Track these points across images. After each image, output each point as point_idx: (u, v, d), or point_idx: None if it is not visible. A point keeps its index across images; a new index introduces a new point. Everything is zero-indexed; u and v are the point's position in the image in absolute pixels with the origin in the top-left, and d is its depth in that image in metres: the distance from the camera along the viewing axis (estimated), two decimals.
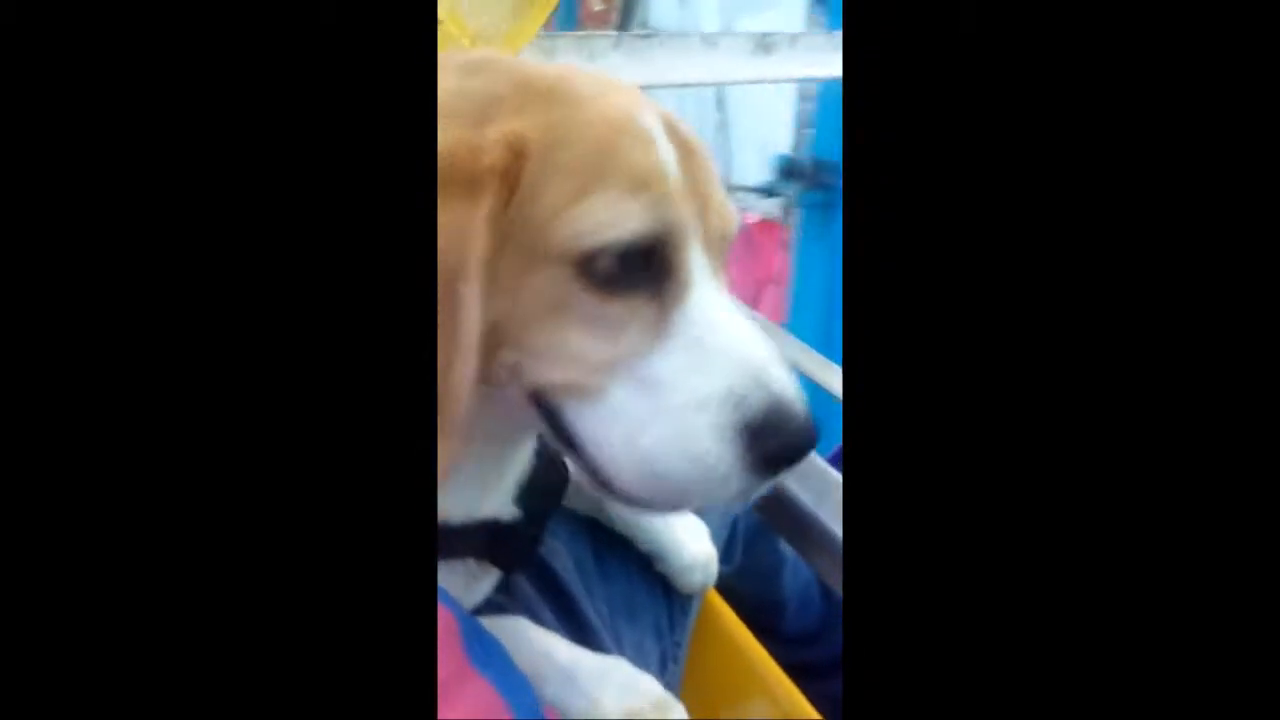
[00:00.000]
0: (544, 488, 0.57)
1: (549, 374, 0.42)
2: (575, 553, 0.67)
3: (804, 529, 0.59)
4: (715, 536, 0.74)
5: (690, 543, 0.68)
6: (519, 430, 0.51)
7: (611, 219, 0.40)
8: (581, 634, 0.61)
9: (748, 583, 0.86)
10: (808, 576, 0.92)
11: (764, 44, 1.05)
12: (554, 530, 0.68)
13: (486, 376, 0.42)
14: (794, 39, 1.09)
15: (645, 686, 0.51)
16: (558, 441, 0.46)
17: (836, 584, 0.59)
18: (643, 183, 0.41)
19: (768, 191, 1.97)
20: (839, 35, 1.10)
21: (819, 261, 1.99)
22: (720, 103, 2.28)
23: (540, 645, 0.53)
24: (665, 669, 0.69)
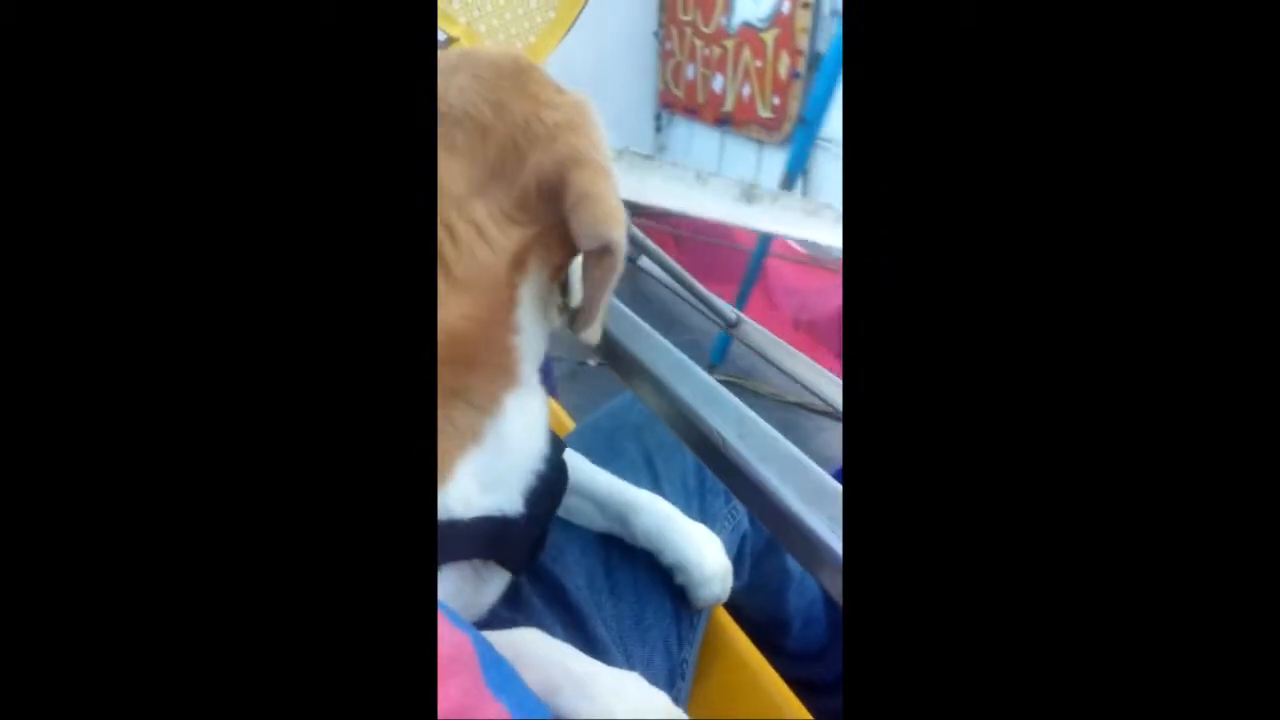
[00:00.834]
0: (548, 487, 0.58)
1: None
2: (587, 569, 0.67)
3: (813, 549, 0.59)
4: (726, 552, 0.74)
5: (710, 554, 0.68)
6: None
7: None
8: (592, 650, 0.61)
9: (754, 600, 0.86)
10: (813, 594, 0.93)
11: (749, 194, 1.12)
12: (565, 547, 0.68)
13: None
14: (776, 197, 1.16)
15: (658, 701, 0.52)
16: None
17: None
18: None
19: None
20: (817, 201, 1.20)
21: None
22: None
23: (554, 656, 0.53)
24: (674, 685, 0.69)
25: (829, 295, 2.46)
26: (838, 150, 2.40)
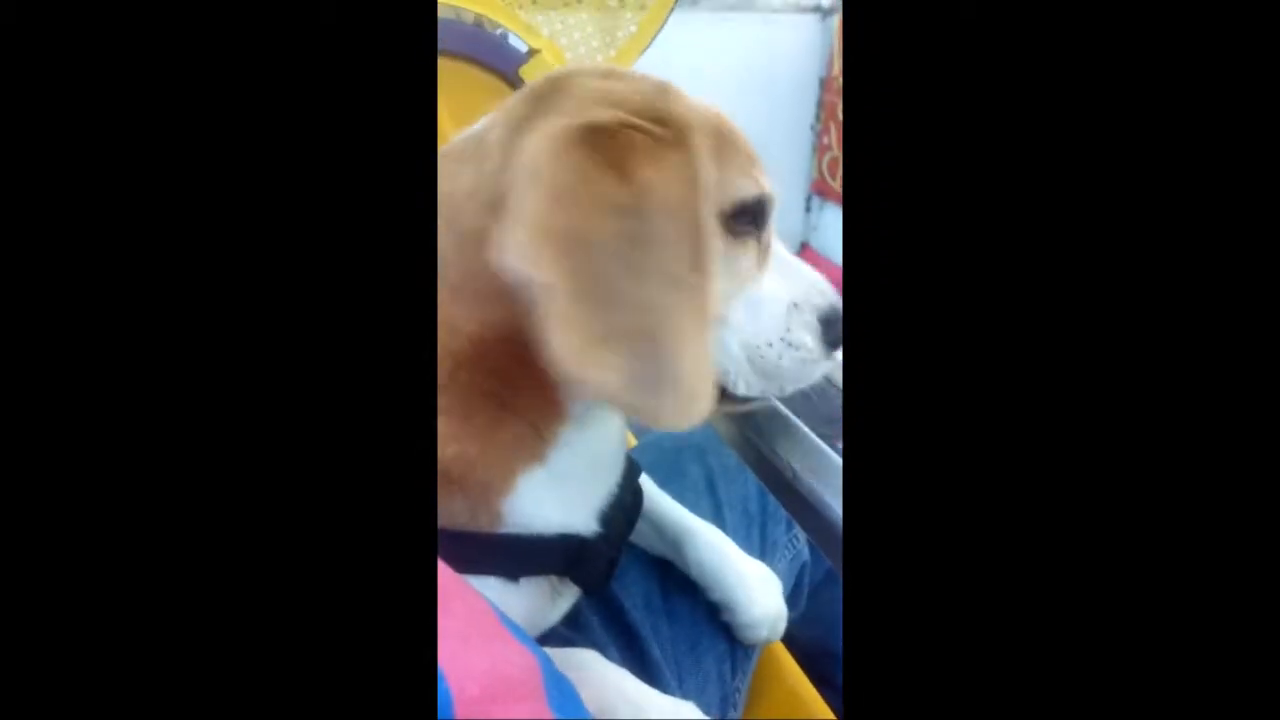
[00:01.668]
0: (623, 508, 0.58)
1: None
2: (645, 591, 0.67)
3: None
4: (783, 583, 0.73)
5: (760, 598, 0.67)
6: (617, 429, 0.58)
7: (746, 183, 0.52)
8: (646, 672, 0.61)
9: (809, 631, 0.84)
10: None
11: None
12: (625, 567, 0.68)
13: None
14: None
15: None
16: None
17: None
18: (753, 156, 0.54)
19: None
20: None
21: None
22: None
23: (611, 679, 0.53)
24: (725, 713, 0.68)
25: None
26: None
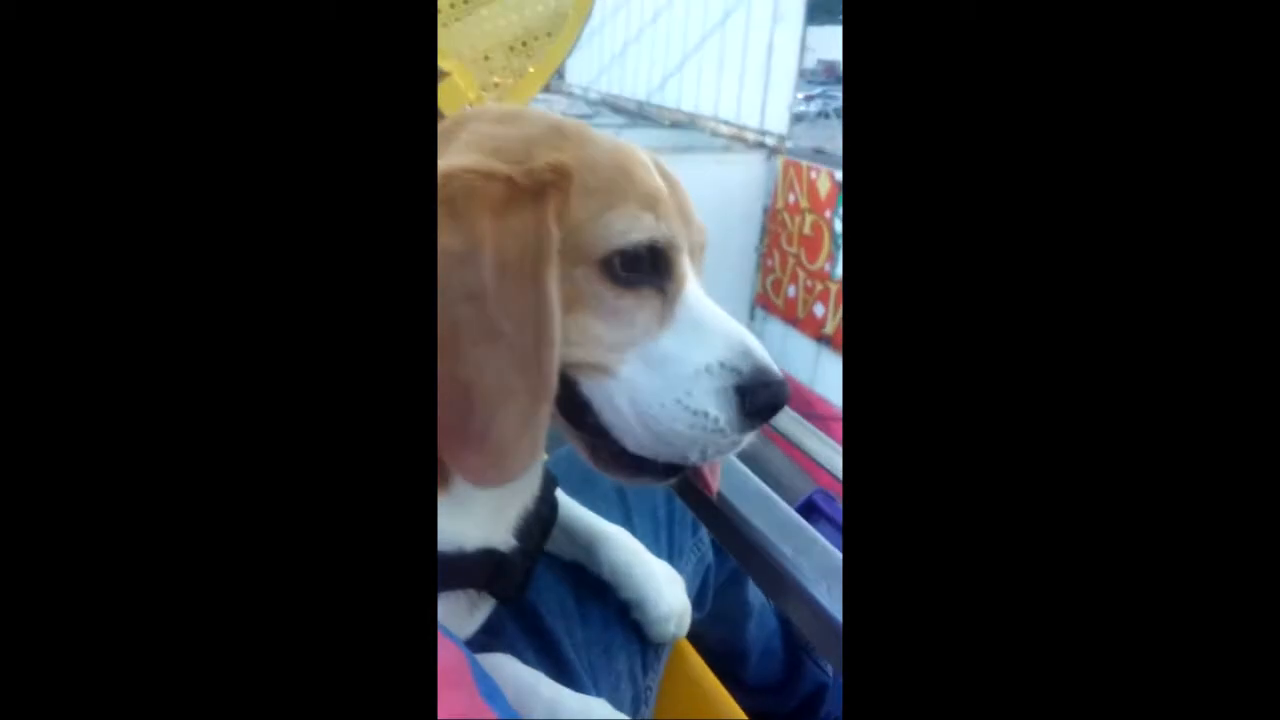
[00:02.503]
0: (539, 520, 0.60)
1: (574, 355, 0.49)
2: (558, 596, 0.69)
3: (782, 582, 0.62)
4: (689, 583, 0.77)
5: (668, 594, 0.71)
6: None
7: (629, 227, 0.49)
8: (561, 674, 0.63)
9: (715, 630, 0.89)
10: (772, 628, 0.96)
11: None
12: (539, 575, 0.70)
13: None
14: None
15: None
16: (565, 417, 0.53)
17: (815, 638, 0.62)
18: (651, 201, 0.51)
19: None
20: None
21: None
22: None
23: (526, 679, 0.56)
24: (637, 711, 0.71)
25: None
26: None
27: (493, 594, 0.58)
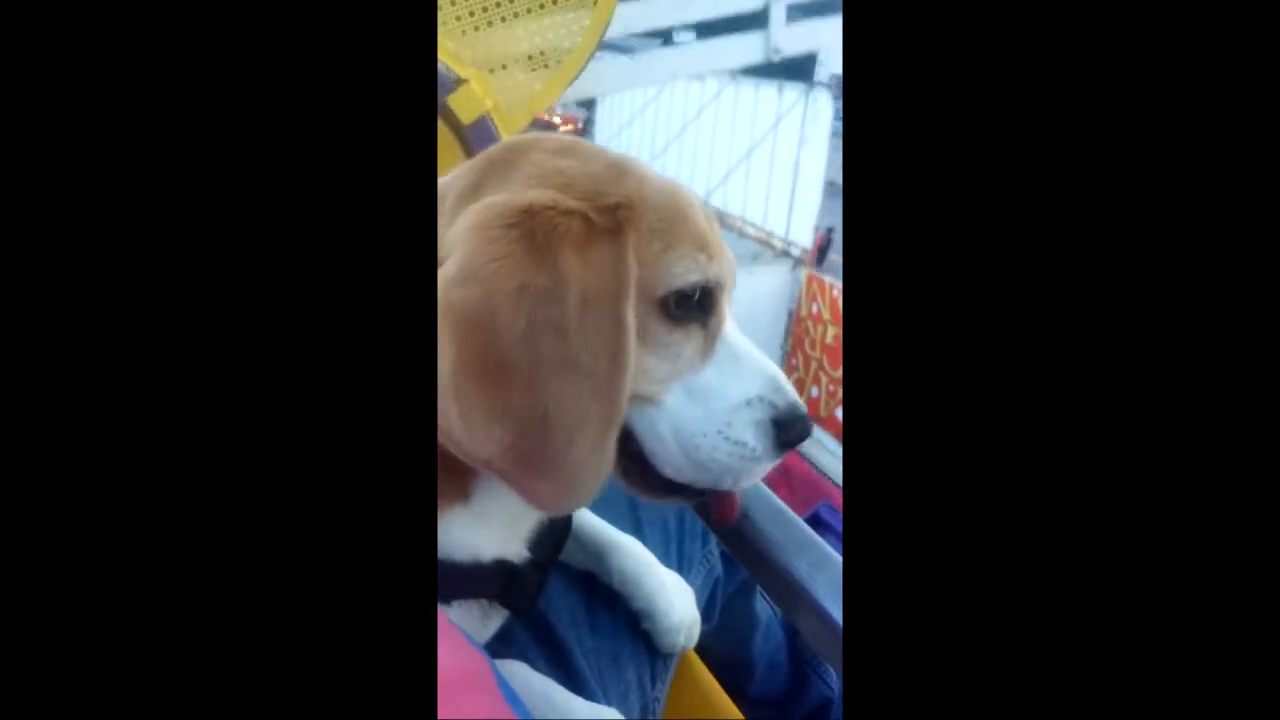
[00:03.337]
0: (552, 533, 0.61)
1: None
2: (569, 604, 0.69)
3: (795, 596, 0.62)
4: (698, 595, 0.77)
5: (678, 605, 0.71)
6: None
7: (686, 269, 0.52)
8: (571, 682, 0.63)
9: (721, 642, 0.88)
10: (778, 641, 0.95)
11: None
12: (550, 584, 0.70)
13: None
14: None
15: None
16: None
17: (827, 651, 0.62)
18: (703, 242, 0.53)
19: None
20: None
21: None
22: None
23: (538, 687, 0.56)
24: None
25: None
26: None
27: (505, 604, 0.59)
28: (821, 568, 0.62)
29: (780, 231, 3.85)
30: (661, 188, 0.53)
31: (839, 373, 3.33)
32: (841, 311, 3.24)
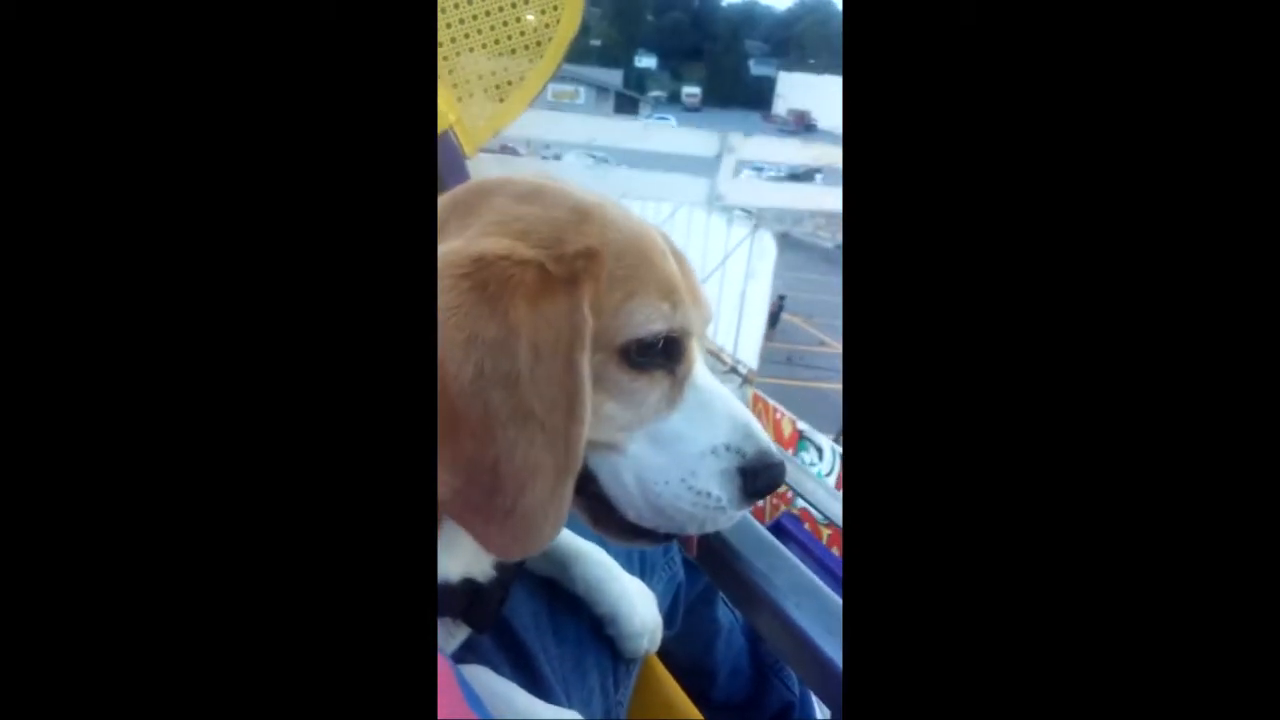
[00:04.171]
0: None
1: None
2: (533, 611, 0.70)
3: (755, 598, 0.64)
4: (660, 602, 0.78)
5: (641, 610, 0.72)
6: None
7: (648, 317, 0.51)
8: (536, 688, 0.64)
9: (684, 647, 0.90)
10: (740, 646, 0.97)
11: None
12: (514, 590, 0.71)
13: None
14: None
15: None
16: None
17: (785, 653, 0.64)
18: (669, 290, 0.52)
19: None
20: None
21: None
22: None
23: (501, 690, 0.57)
24: None
25: None
26: None
27: (468, 622, 0.60)
28: (782, 573, 0.64)
29: (729, 349, 3.99)
30: (628, 233, 0.52)
31: (781, 487, 3.57)
32: (784, 433, 3.35)
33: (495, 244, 0.48)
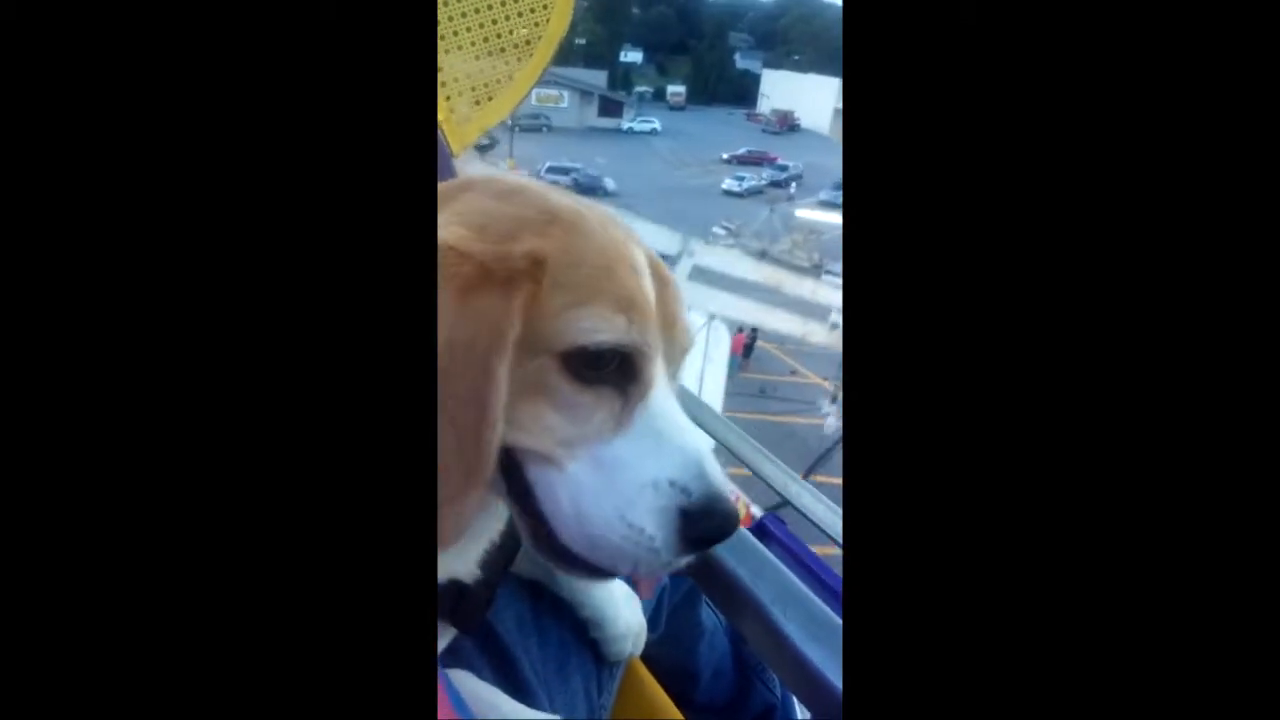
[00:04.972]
0: (503, 550, 0.61)
1: (523, 440, 0.49)
2: (517, 614, 0.70)
3: (738, 602, 0.64)
4: (644, 604, 0.78)
5: (625, 613, 0.72)
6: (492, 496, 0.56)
7: (596, 327, 0.49)
8: (519, 692, 0.64)
9: (667, 650, 0.90)
10: (723, 649, 0.97)
11: None
12: (498, 593, 0.71)
13: None
14: None
15: None
16: (510, 497, 0.53)
17: (768, 655, 0.64)
18: (626, 304, 0.50)
19: None
20: None
21: None
22: None
23: (484, 694, 0.57)
24: None
25: None
26: None
27: (453, 623, 0.59)
28: (766, 576, 0.64)
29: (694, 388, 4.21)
30: (596, 243, 0.51)
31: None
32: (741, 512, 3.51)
33: (448, 234, 0.48)
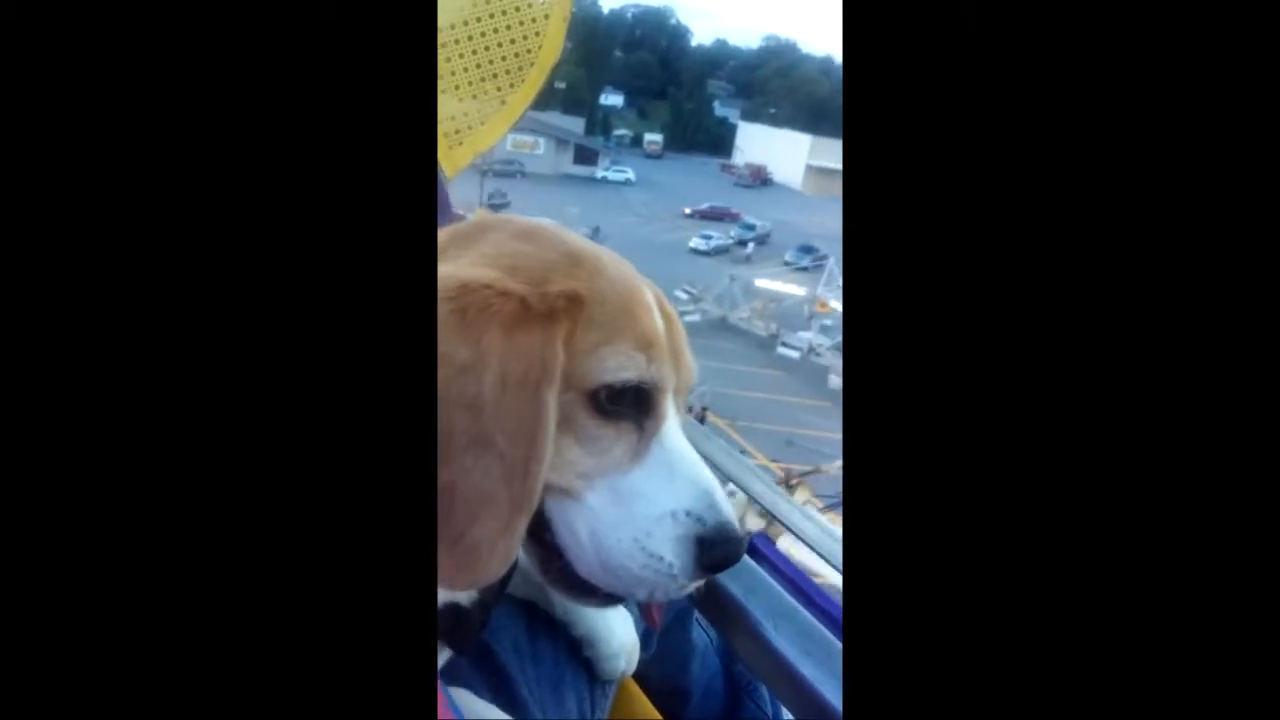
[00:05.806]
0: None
1: (546, 474, 0.50)
2: (512, 634, 0.70)
3: (731, 618, 0.65)
4: (637, 622, 0.79)
5: (619, 631, 0.73)
6: None
7: (621, 365, 0.51)
8: (513, 710, 0.64)
9: (659, 669, 0.90)
10: (715, 668, 0.98)
11: None
12: (493, 613, 0.71)
13: None
14: None
15: None
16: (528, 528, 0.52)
17: (760, 672, 0.65)
18: (646, 343, 0.53)
19: None
20: None
21: None
22: None
23: (480, 711, 0.57)
24: None
25: None
26: None
27: (449, 644, 0.60)
28: (759, 594, 0.65)
29: None
30: (616, 284, 0.54)
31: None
32: None
33: (482, 273, 0.49)
